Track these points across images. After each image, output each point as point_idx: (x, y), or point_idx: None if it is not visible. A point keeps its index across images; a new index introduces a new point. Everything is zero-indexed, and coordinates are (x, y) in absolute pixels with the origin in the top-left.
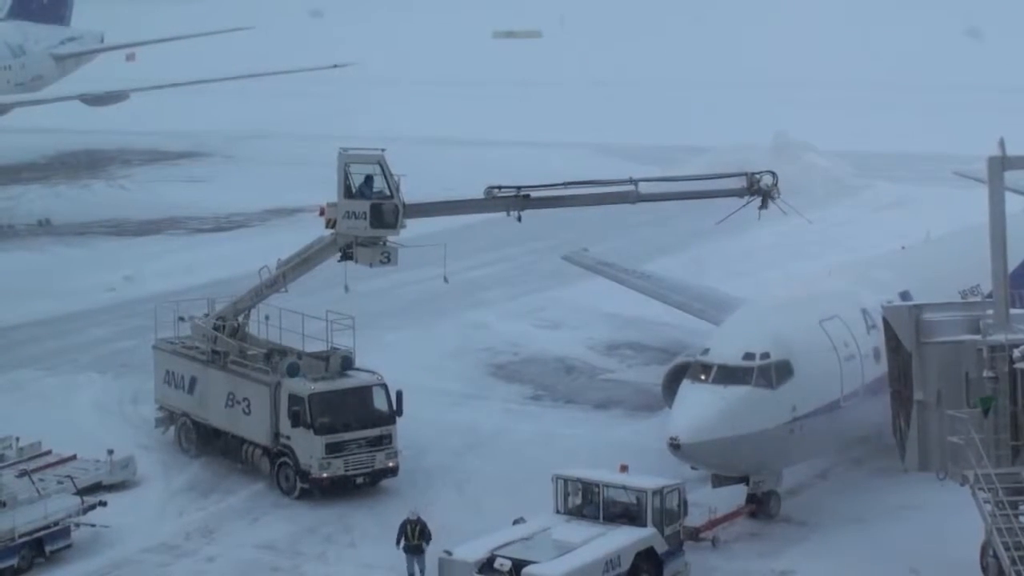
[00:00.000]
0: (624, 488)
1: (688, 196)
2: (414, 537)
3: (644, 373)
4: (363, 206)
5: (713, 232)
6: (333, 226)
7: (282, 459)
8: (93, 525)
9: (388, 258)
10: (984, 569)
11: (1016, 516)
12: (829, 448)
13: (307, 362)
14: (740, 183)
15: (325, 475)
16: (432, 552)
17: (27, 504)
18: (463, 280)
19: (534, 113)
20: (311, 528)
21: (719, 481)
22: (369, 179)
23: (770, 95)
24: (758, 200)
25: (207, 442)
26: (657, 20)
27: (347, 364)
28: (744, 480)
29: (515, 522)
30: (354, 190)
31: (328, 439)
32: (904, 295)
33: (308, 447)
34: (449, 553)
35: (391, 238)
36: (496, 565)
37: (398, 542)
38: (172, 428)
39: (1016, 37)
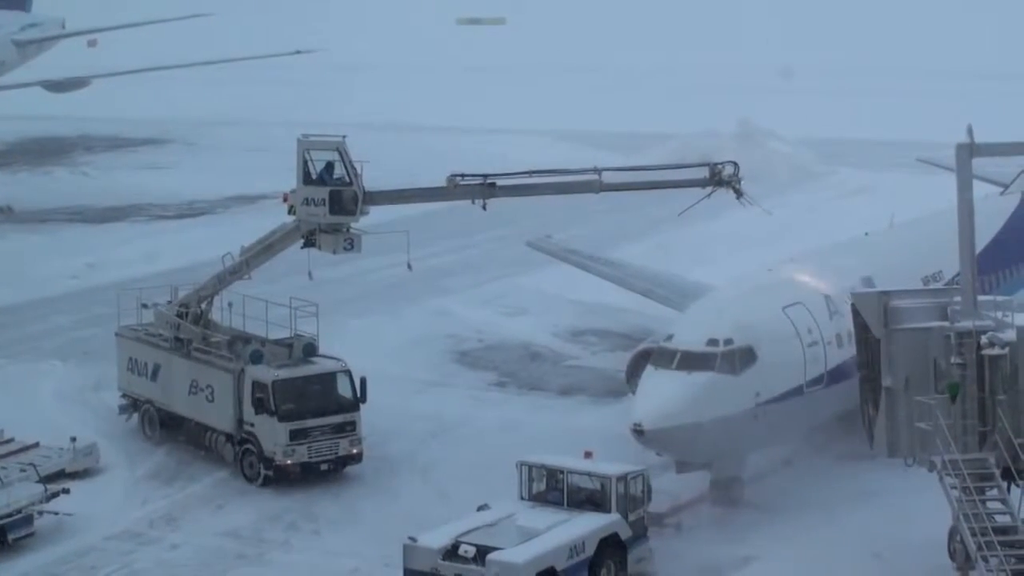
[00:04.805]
0: (588, 474)
1: (651, 186)
2: None
3: (608, 359)
4: (322, 193)
5: (677, 219)
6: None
7: (246, 446)
8: (56, 513)
9: (351, 245)
10: (951, 554)
11: (983, 502)
12: (793, 434)
13: (271, 349)
14: (703, 173)
15: (289, 462)
16: (397, 538)
17: None
18: (427, 267)
19: (499, 100)
20: (275, 515)
21: (683, 467)
22: (329, 166)
23: (734, 82)
24: (723, 190)
25: (171, 429)
26: (621, 7)
27: (311, 351)
28: (708, 466)
29: (479, 508)
30: (314, 176)
31: (292, 426)
32: (867, 281)
33: (272, 434)
34: (414, 540)
35: (353, 225)
36: (460, 551)
37: None
38: (135, 415)
39: (981, 22)
